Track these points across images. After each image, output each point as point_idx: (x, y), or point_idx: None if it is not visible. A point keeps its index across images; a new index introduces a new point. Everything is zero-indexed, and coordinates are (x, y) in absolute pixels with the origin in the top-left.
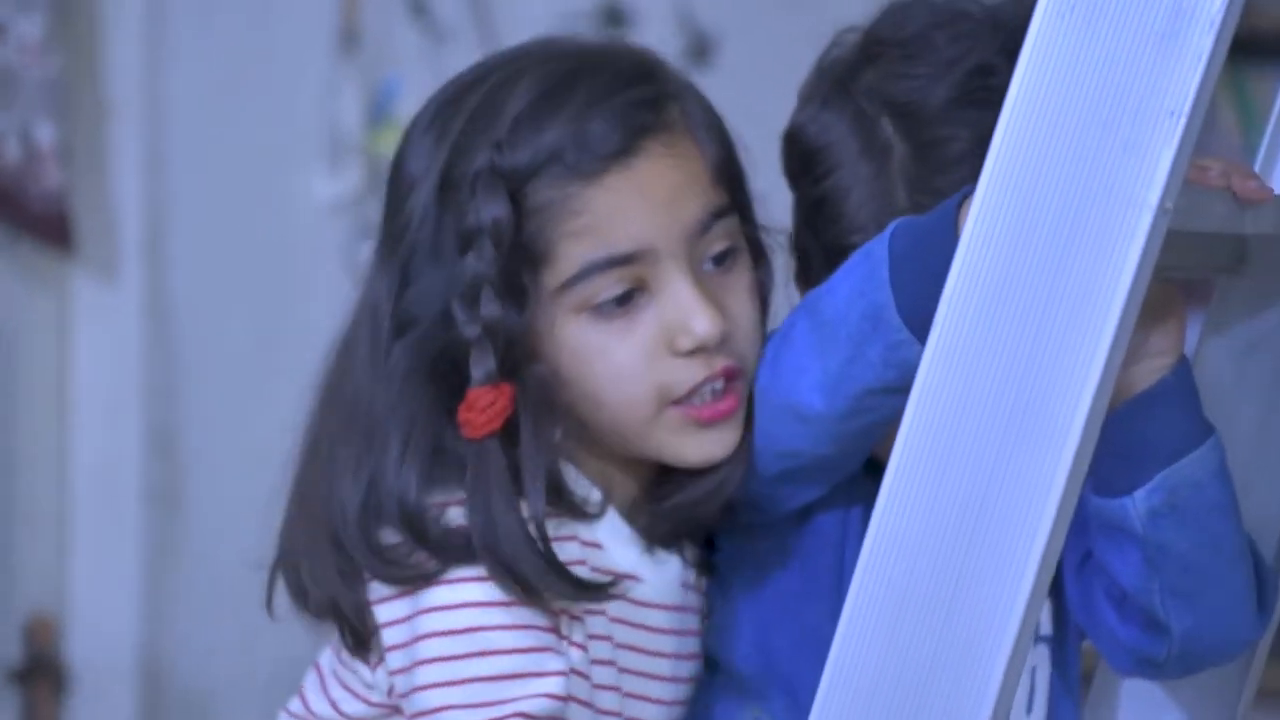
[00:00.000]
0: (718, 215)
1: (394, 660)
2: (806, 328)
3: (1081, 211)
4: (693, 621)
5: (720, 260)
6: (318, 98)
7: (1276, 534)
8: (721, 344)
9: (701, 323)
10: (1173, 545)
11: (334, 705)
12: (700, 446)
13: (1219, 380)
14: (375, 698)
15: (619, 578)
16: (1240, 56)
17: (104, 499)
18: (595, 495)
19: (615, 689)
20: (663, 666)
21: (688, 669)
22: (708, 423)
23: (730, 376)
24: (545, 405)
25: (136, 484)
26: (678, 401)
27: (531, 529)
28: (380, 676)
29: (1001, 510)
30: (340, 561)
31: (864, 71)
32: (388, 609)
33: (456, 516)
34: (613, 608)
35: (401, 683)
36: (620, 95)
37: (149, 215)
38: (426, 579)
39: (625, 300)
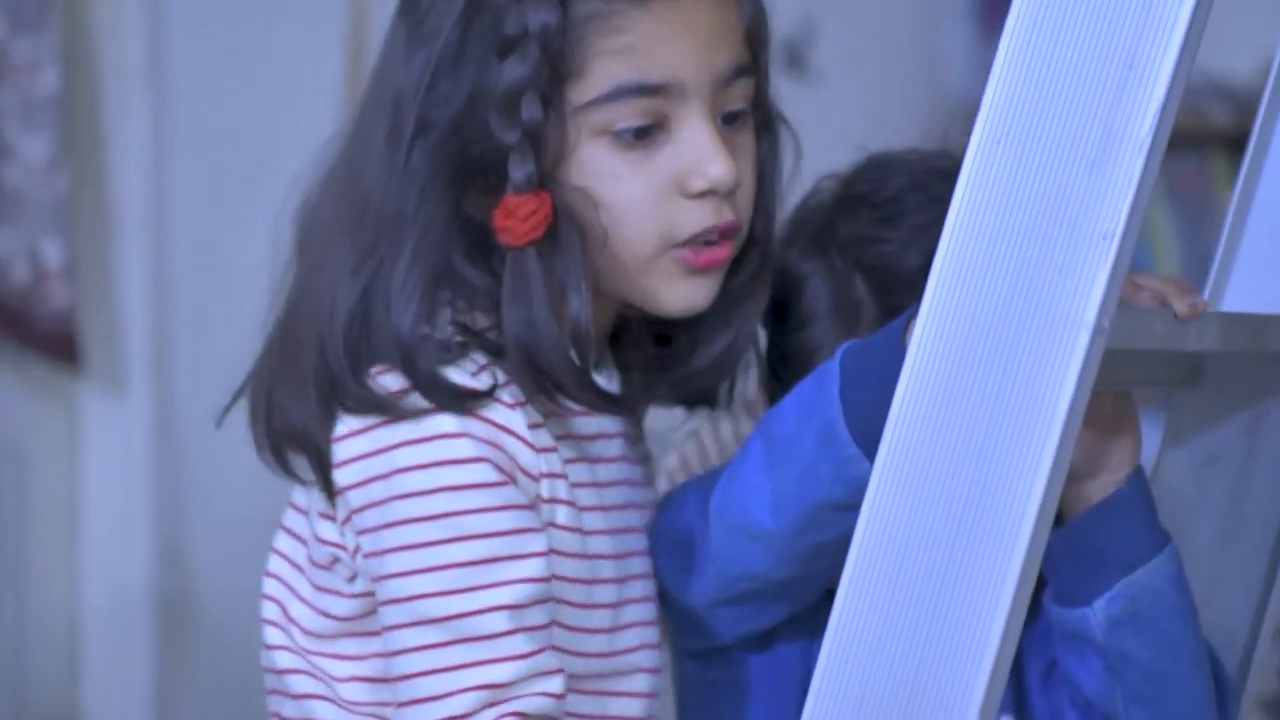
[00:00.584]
0: (742, 72)
1: (365, 544)
2: (760, 449)
3: (1021, 331)
4: (636, 518)
5: (731, 120)
6: None
7: (1238, 643)
8: (728, 196)
9: (718, 167)
10: (1134, 653)
11: (323, 613)
12: (683, 294)
13: (1179, 491)
14: (359, 586)
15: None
16: (1240, 151)
17: (115, 614)
18: None
19: (607, 532)
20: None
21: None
22: (699, 269)
23: (728, 234)
24: (578, 217)
25: (147, 599)
26: (677, 245)
27: (570, 338)
28: (361, 562)
29: (954, 615)
30: (317, 381)
31: (840, 225)
32: (360, 494)
33: (452, 374)
34: (591, 447)
35: (373, 566)
36: None
37: (155, 330)
38: (399, 414)
39: (643, 134)
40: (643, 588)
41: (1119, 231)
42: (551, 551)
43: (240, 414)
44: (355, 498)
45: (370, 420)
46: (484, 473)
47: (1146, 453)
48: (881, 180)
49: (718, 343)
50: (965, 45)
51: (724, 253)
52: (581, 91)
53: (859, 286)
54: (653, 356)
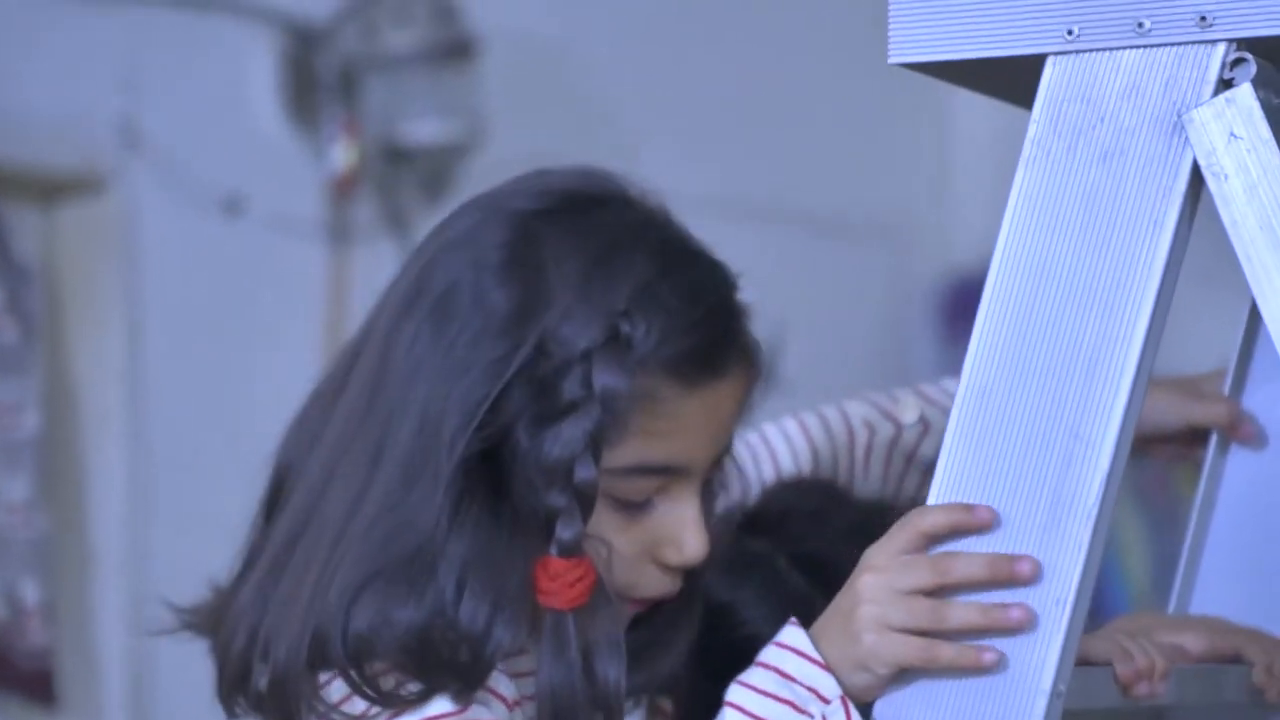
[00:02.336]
0: (729, 446)
1: None
2: None
3: (984, 697)
4: None
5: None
6: None
7: None
8: None
9: (695, 545)
10: None
11: None
12: None
13: None
14: None
15: None
16: None
17: None
18: None
19: None
20: None
21: None
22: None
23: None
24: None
25: None
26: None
27: (603, 705)
28: None
29: None
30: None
31: (762, 540)
32: None
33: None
34: None
35: None
36: (728, 302)
37: (131, 666)
38: (401, 703)
39: (639, 502)
40: None
41: (1071, 598)
42: None
43: None
44: None
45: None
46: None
47: None
48: (797, 498)
49: (642, 673)
50: (931, 358)
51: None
52: (608, 458)
53: (798, 581)
54: None
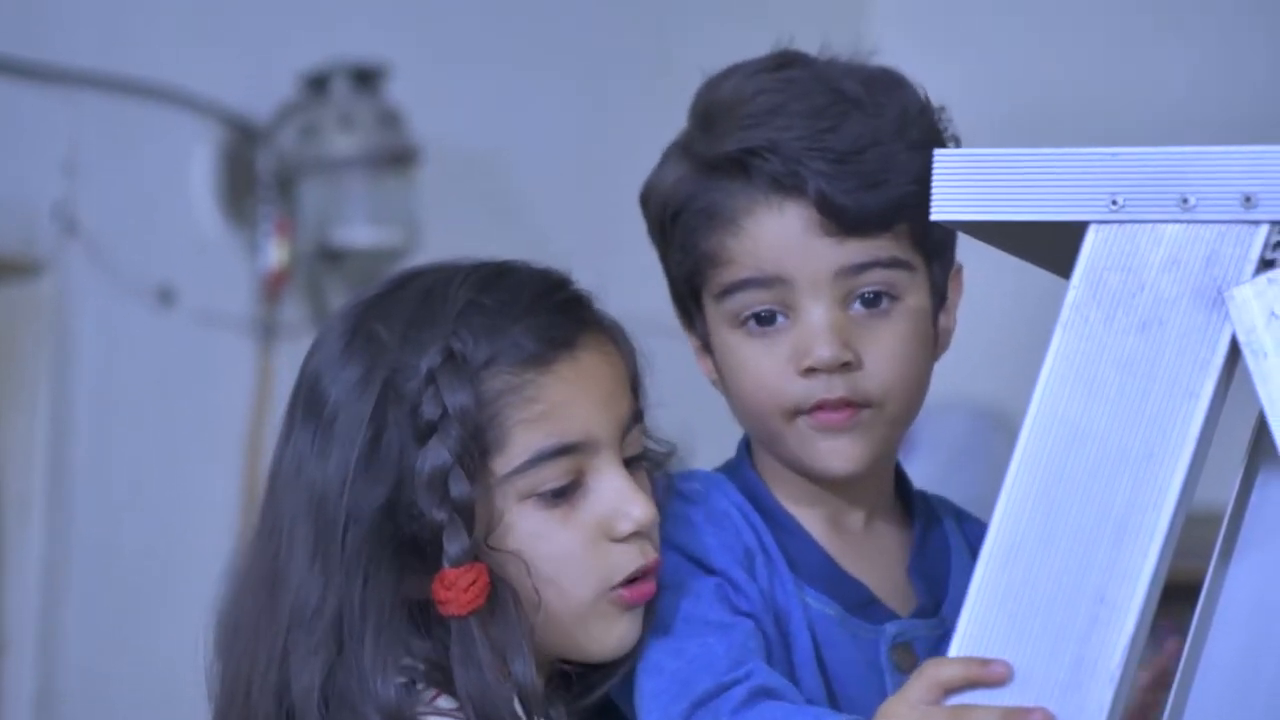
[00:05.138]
0: (637, 418)
1: None
2: None
3: None
4: None
5: (628, 464)
6: None
7: None
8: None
9: (640, 509)
10: None
11: None
12: (621, 634)
13: None
14: None
15: None
16: None
17: None
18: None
19: None
20: None
21: None
22: (633, 605)
23: (652, 572)
24: (511, 580)
25: None
26: (614, 587)
27: (520, 700)
28: None
29: None
30: None
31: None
32: None
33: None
34: None
35: None
36: (556, 292)
37: None
38: None
39: (564, 491)
40: None
41: None
42: None
43: None
44: None
45: None
46: None
47: None
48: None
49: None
50: None
51: (651, 586)
52: (504, 461)
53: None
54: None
